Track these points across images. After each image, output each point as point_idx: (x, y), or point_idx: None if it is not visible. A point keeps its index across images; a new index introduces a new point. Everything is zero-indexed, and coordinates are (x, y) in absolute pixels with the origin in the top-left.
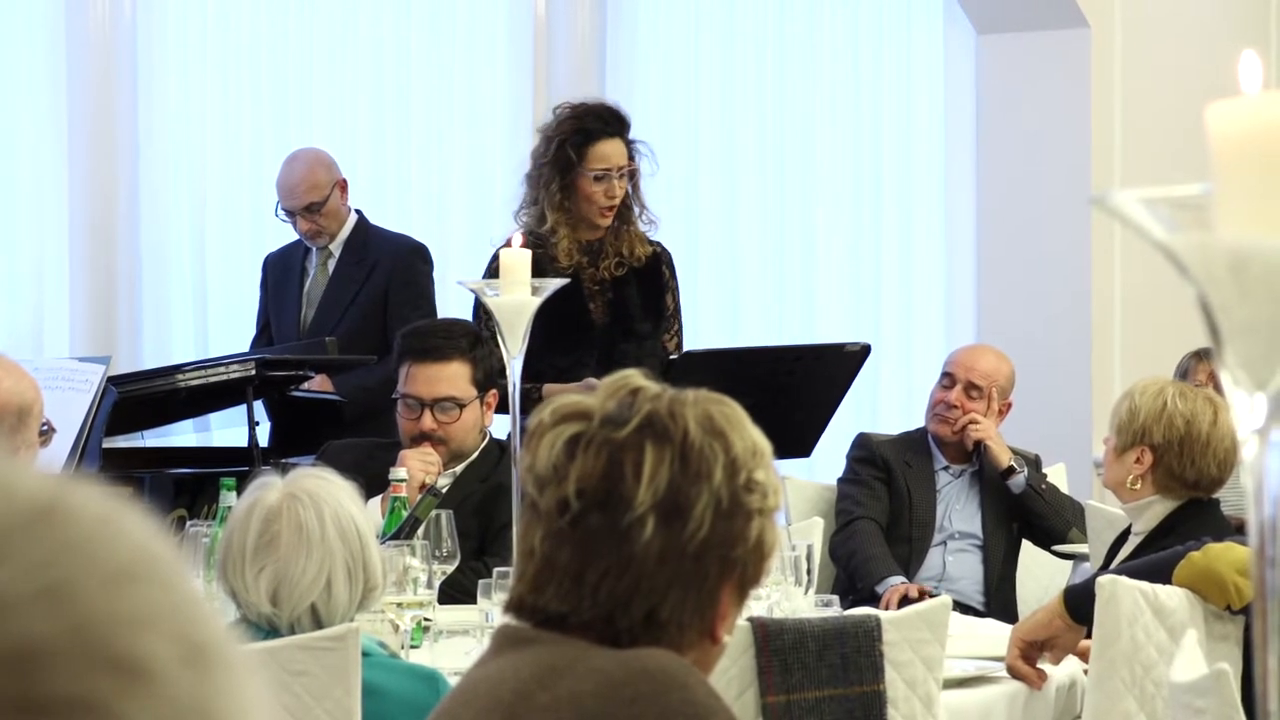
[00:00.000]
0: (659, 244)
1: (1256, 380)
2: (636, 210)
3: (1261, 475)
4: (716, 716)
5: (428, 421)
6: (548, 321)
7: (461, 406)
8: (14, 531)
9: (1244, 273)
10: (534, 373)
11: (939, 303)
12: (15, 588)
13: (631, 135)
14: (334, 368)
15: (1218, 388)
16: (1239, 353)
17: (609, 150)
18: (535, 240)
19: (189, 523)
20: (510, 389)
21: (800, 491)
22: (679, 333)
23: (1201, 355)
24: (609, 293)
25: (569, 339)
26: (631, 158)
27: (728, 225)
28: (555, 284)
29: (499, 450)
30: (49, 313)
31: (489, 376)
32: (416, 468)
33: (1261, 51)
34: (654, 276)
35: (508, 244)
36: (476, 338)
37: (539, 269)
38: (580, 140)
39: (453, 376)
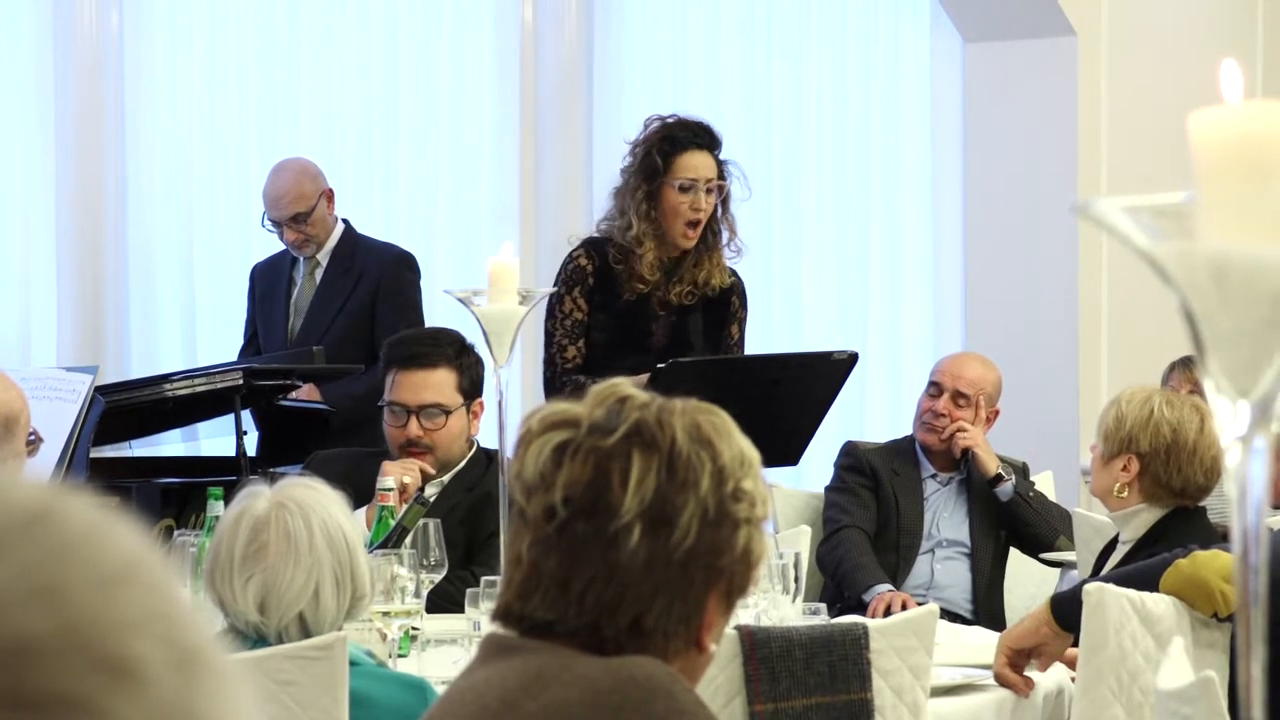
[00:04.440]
0: (737, 275)
1: (1240, 388)
2: (725, 236)
3: (1245, 482)
4: None
5: (414, 428)
6: (614, 332)
7: (448, 413)
8: (8, 533)
9: (1226, 281)
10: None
11: (926, 310)
12: (9, 587)
13: (724, 156)
14: (321, 377)
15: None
16: (1222, 360)
17: (696, 161)
18: (618, 251)
19: (177, 532)
20: (498, 398)
21: (788, 500)
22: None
23: (1180, 365)
24: (673, 316)
25: (628, 357)
26: (722, 176)
27: None
28: (543, 293)
29: (486, 459)
30: (36, 322)
31: (475, 385)
32: (395, 471)
33: (1247, 60)
34: (722, 307)
35: (575, 251)
36: (463, 346)
37: (616, 281)
38: (667, 148)
39: (439, 384)
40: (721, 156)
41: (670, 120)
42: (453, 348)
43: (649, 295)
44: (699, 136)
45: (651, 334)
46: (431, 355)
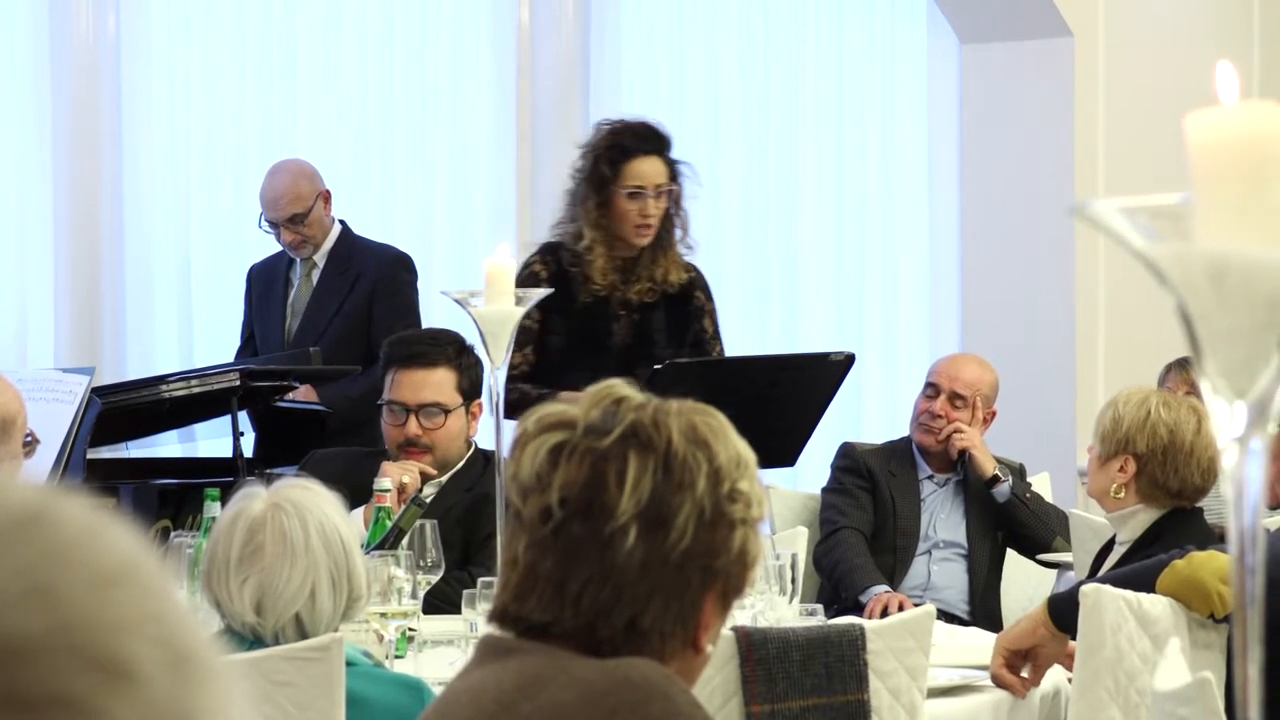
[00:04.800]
0: (697, 269)
1: (1236, 389)
2: (678, 233)
3: (1242, 483)
4: None
5: (413, 427)
6: (571, 335)
7: (447, 412)
8: (4, 534)
9: (1222, 282)
10: (553, 383)
11: (923, 311)
12: (4, 588)
13: (674, 155)
14: (318, 378)
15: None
16: (1219, 361)
17: (645, 168)
18: (572, 256)
19: (173, 533)
20: (495, 398)
21: (784, 501)
22: (721, 353)
23: (1177, 366)
24: (635, 314)
25: (588, 357)
26: (673, 178)
27: (712, 234)
28: (539, 294)
29: (483, 460)
30: (33, 324)
31: (475, 386)
32: (395, 472)
33: (1243, 60)
34: (685, 303)
35: (531, 258)
36: (463, 346)
37: (572, 285)
38: (616, 156)
39: (439, 383)
40: (672, 156)
41: (618, 126)
42: (453, 347)
43: (608, 296)
44: (647, 142)
45: (612, 334)
46: (431, 354)
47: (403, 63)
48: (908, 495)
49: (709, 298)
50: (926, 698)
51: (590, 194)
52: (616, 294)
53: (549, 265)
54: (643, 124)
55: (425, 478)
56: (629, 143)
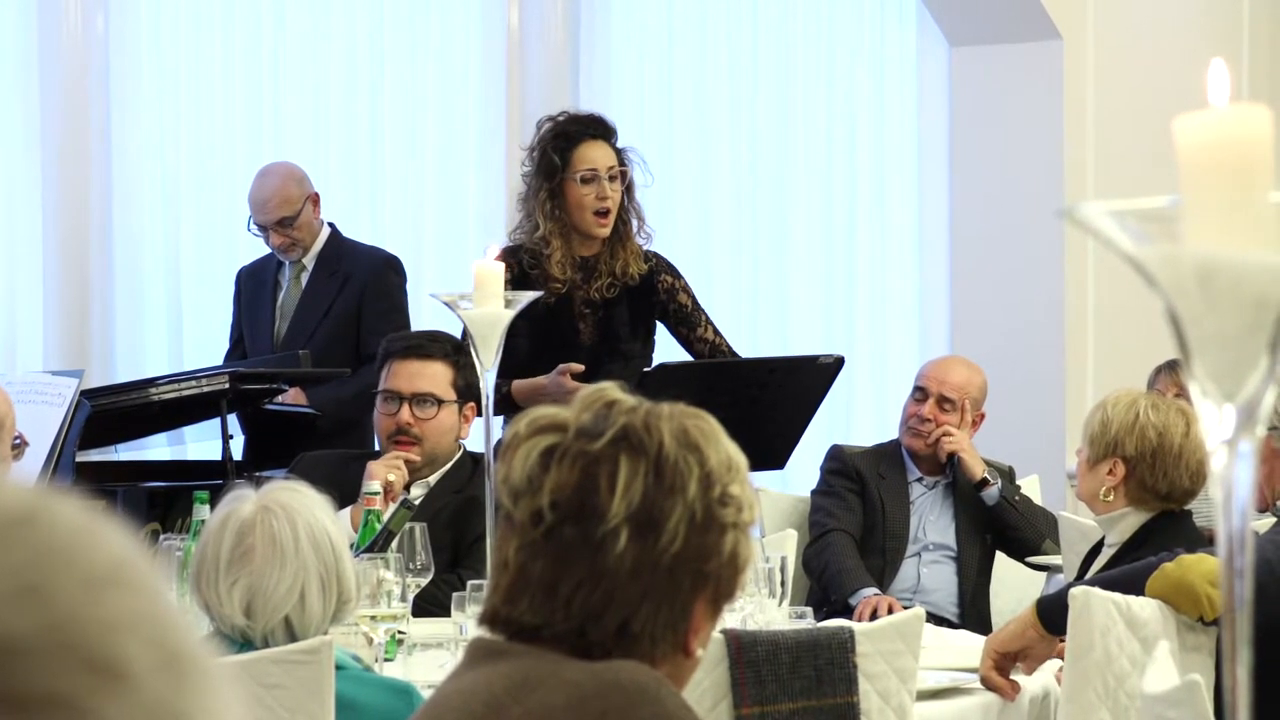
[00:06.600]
0: (654, 255)
1: (1225, 391)
2: (634, 224)
3: (1230, 486)
4: None
5: (405, 415)
6: (537, 337)
7: (440, 404)
8: None
9: (1211, 285)
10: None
11: (912, 314)
12: None
13: (621, 144)
14: (307, 381)
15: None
16: (1207, 364)
17: (594, 153)
18: (530, 257)
19: (162, 536)
20: (484, 400)
21: (774, 503)
22: (710, 321)
23: (1166, 369)
24: (599, 312)
25: (556, 356)
26: (622, 164)
27: (701, 237)
28: (529, 296)
29: (472, 463)
30: (22, 326)
31: (470, 386)
32: (380, 471)
33: (1233, 64)
34: (648, 294)
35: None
36: (459, 346)
37: (533, 286)
38: (563, 145)
39: (434, 374)
40: (619, 144)
41: (560, 118)
42: (450, 344)
43: (570, 295)
44: (591, 128)
45: (578, 333)
46: (428, 348)
47: (392, 65)
48: (897, 498)
49: (676, 275)
50: (916, 700)
51: (542, 186)
52: (579, 293)
53: (510, 269)
54: (585, 113)
55: (412, 476)
56: (574, 129)
